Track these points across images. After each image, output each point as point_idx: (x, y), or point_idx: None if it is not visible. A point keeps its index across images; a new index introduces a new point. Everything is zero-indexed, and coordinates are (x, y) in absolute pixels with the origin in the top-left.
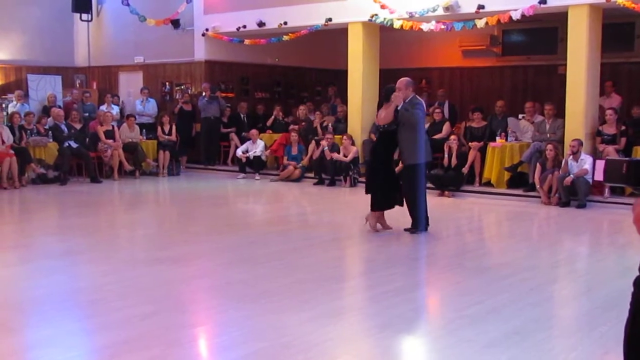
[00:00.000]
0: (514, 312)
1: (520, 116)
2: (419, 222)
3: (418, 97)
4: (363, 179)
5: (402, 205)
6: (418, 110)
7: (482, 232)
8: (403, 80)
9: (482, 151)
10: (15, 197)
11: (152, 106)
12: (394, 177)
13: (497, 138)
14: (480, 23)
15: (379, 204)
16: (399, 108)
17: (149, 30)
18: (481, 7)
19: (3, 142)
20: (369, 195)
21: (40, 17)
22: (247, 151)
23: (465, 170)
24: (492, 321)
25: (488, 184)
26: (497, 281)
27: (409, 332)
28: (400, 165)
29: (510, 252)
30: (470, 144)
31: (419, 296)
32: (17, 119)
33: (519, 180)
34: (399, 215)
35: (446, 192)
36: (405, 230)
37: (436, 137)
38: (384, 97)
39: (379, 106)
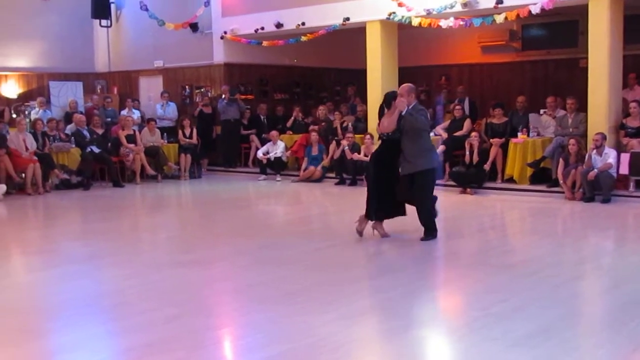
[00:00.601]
0: (539, 310)
1: (541, 111)
2: (433, 229)
3: (420, 104)
4: None
5: (404, 214)
6: (422, 116)
7: (505, 229)
8: (405, 86)
9: (504, 147)
10: (39, 202)
11: (172, 110)
12: (396, 187)
13: (519, 134)
14: (499, 18)
15: (381, 213)
16: (403, 114)
17: (167, 34)
18: (499, 2)
19: (27, 148)
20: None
21: (61, 25)
22: (267, 152)
23: (487, 167)
24: (517, 319)
25: (510, 180)
26: (522, 278)
27: (434, 331)
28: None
29: (534, 248)
30: (491, 140)
31: (443, 295)
32: (40, 126)
33: (541, 176)
34: (406, 220)
35: (468, 190)
36: (422, 240)
37: (457, 134)
38: (385, 103)
39: (380, 114)
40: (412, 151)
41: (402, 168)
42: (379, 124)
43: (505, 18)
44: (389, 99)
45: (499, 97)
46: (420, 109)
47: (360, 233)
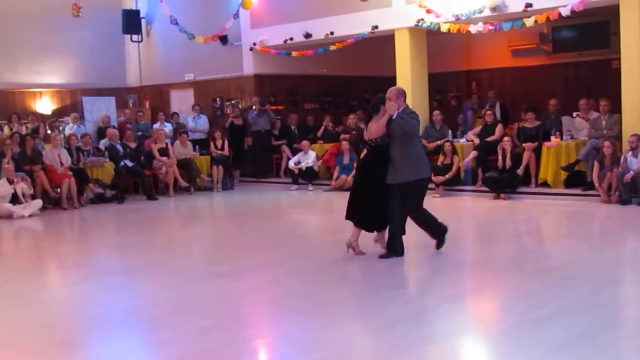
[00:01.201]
0: (578, 315)
1: (574, 114)
2: (395, 244)
3: (408, 108)
4: None
5: (384, 229)
6: (413, 119)
7: (541, 234)
8: (393, 89)
9: (537, 151)
10: (75, 217)
11: (203, 122)
12: (385, 198)
13: (552, 137)
14: (529, 22)
15: (365, 223)
16: (393, 118)
17: (197, 47)
18: (529, 5)
19: (62, 164)
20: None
21: (93, 41)
22: (299, 162)
23: (520, 171)
24: (556, 324)
25: (544, 184)
26: (559, 283)
27: (470, 338)
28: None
29: (570, 253)
30: (524, 144)
31: (479, 301)
32: (74, 141)
33: (576, 180)
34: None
35: (502, 195)
36: (380, 257)
37: (489, 139)
38: (372, 108)
39: (367, 120)
40: (401, 159)
41: (390, 177)
42: (365, 130)
43: (535, 21)
44: (377, 104)
45: (530, 101)
46: (411, 112)
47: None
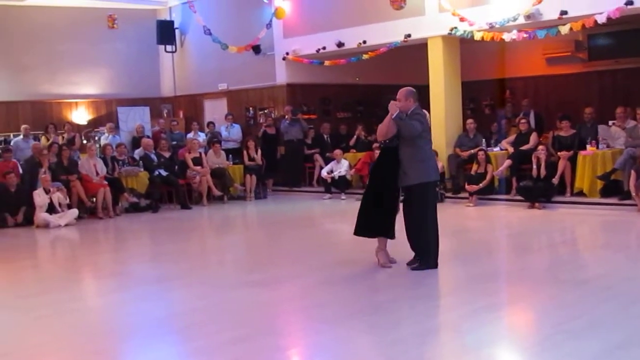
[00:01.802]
0: (615, 326)
1: (610, 122)
2: (428, 256)
3: (420, 107)
4: (449, 195)
5: (393, 237)
6: (415, 121)
7: (576, 244)
8: (403, 90)
9: (572, 160)
10: (110, 226)
11: (236, 131)
12: (394, 203)
13: (588, 146)
14: (564, 29)
15: (365, 230)
16: (392, 118)
17: (231, 57)
18: (564, 12)
19: (97, 173)
20: (455, 213)
21: (127, 52)
22: (331, 171)
23: (555, 180)
24: (592, 336)
25: (580, 193)
26: (595, 294)
27: (506, 349)
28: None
29: (607, 263)
30: (559, 153)
31: (514, 311)
32: (109, 151)
33: (612, 189)
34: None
35: (536, 204)
36: (408, 265)
37: (523, 148)
38: (385, 109)
39: (380, 122)
40: (407, 161)
41: (399, 180)
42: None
43: (570, 29)
44: (387, 105)
45: (565, 109)
46: (417, 113)
47: (385, 264)
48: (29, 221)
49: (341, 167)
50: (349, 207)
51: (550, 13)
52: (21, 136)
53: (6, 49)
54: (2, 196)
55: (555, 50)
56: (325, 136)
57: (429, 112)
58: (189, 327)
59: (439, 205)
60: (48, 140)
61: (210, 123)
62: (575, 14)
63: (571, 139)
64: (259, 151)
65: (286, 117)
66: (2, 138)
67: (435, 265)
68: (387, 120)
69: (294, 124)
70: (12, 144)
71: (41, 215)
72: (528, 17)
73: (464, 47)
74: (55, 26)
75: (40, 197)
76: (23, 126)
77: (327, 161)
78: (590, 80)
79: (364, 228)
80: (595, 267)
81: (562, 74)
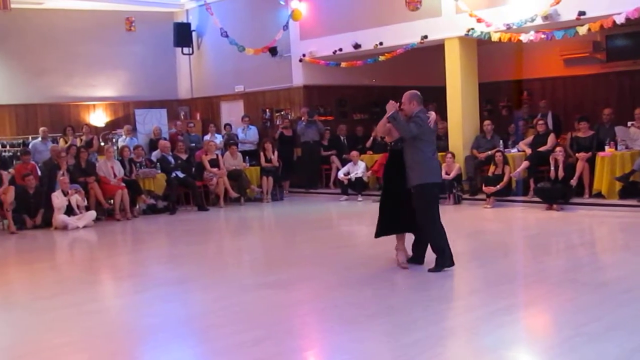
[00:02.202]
0: (635, 329)
1: (629, 123)
2: (441, 256)
3: (425, 110)
4: (466, 196)
5: (411, 231)
6: (412, 122)
7: (595, 246)
8: (407, 93)
9: (591, 162)
10: (127, 228)
11: (253, 133)
12: (405, 202)
13: (606, 147)
14: (582, 30)
15: (382, 229)
16: (387, 117)
17: (247, 59)
18: (582, 13)
19: (115, 175)
20: (472, 215)
21: (145, 54)
22: (348, 173)
23: (573, 182)
24: (612, 338)
25: (598, 195)
26: (615, 296)
27: (524, 352)
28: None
29: (626, 265)
30: (577, 154)
31: (532, 314)
32: (127, 153)
33: (631, 190)
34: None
35: (554, 206)
36: (430, 271)
37: (541, 149)
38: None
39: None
40: (407, 163)
41: (407, 181)
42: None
43: (589, 29)
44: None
45: (583, 110)
46: (417, 116)
47: (402, 265)
48: (47, 223)
49: (358, 168)
50: (366, 208)
51: (568, 14)
52: (39, 139)
53: (25, 52)
54: (21, 198)
55: (573, 51)
56: (341, 138)
57: (445, 113)
58: (207, 329)
59: (456, 207)
60: (66, 142)
61: (228, 125)
62: (593, 14)
63: (589, 140)
64: (276, 153)
65: (302, 118)
66: (21, 140)
67: (451, 263)
68: (383, 120)
69: (311, 125)
70: (30, 146)
71: (59, 217)
72: (546, 17)
73: (481, 48)
74: (73, 29)
75: (58, 199)
76: (41, 129)
77: (343, 163)
78: (609, 81)
79: (381, 228)
80: (615, 269)
81: (580, 75)
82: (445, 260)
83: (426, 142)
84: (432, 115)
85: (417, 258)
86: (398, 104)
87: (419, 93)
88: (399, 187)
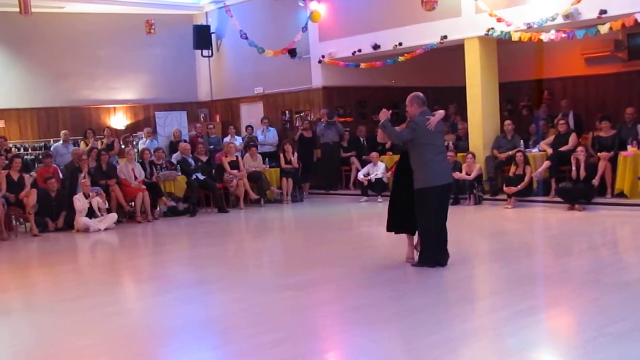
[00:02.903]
0: None
1: None
2: (427, 254)
3: (429, 112)
4: (487, 197)
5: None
6: (408, 128)
7: (618, 246)
8: (409, 96)
9: (613, 161)
10: (148, 230)
11: (272, 135)
12: (412, 203)
13: (629, 147)
14: (604, 29)
15: (392, 227)
16: (379, 125)
17: (267, 61)
18: (603, 12)
19: (136, 178)
20: (493, 215)
21: (165, 57)
22: (368, 174)
23: (595, 182)
24: (636, 339)
25: (621, 195)
26: (639, 297)
27: (547, 353)
28: None
29: None
30: (599, 154)
31: (555, 315)
32: (148, 155)
33: None
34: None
35: (576, 206)
36: (412, 265)
37: (563, 149)
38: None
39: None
40: (412, 166)
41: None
42: None
43: (610, 28)
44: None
45: (605, 110)
46: (411, 120)
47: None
48: (69, 226)
49: (378, 170)
50: (386, 210)
51: (589, 12)
52: (61, 142)
53: (46, 56)
54: (43, 201)
55: (595, 51)
56: (361, 139)
57: (466, 114)
58: (227, 330)
59: (476, 208)
60: (87, 145)
61: (249, 127)
62: (615, 13)
63: (612, 139)
64: (296, 155)
65: (322, 120)
66: (43, 144)
67: (431, 264)
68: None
69: (330, 127)
70: (52, 149)
71: (81, 220)
72: (567, 17)
73: (501, 48)
74: (94, 33)
75: (80, 202)
76: (63, 132)
77: (363, 164)
78: (631, 80)
79: (392, 225)
80: (638, 269)
81: (601, 75)
82: (428, 259)
83: (427, 146)
84: (437, 115)
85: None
86: (391, 111)
87: (420, 95)
88: (408, 187)
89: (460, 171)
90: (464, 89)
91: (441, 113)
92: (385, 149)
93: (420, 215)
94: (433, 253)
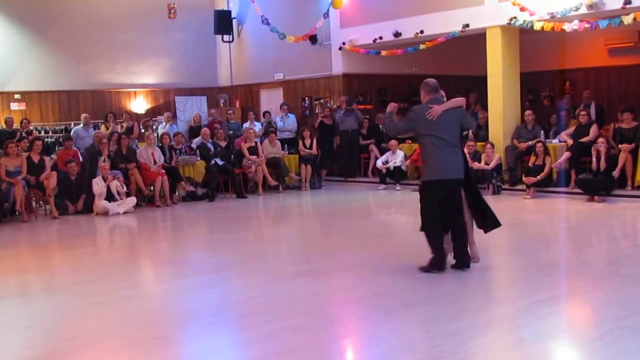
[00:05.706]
0: None
1: None
2: (431, 260)
3: (439, 99)
4: (506, 187)
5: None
6: (406, 119)
7: (637, 238)
8: (423, 82)
9: (634, 153)
10: (167, 214)
11: (291, 121)
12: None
13: None
14: (628, 19)
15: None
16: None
17: (287, 47)
18: (627, 2)
19: (155, 162)
20: (512, 205)
21: (186, 42)
22: (387, 162)
23: (615, 173)
24: None
25: None
26: None
27: (564, 344)
28: None
29: None
30: (620, 146)
31: (573, 306)
32: (167, 140)
33: None
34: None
35: (596, 197)
36: (419, 269)
37: (583, 140)
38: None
39: None
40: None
41: None
42: None
43: (634, 19)
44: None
45: (628, 101)
46: (410, 109)
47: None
48: (89, 209)
49: (396, 157)
50: (404, 197)
51: (613, 3)
52: (81, 125)
53: (68, 39)
54: (63, 184)
55: (618, 41)
56: (380, 127)
57: (486, 103)
58: (245, 316)
59: (495, 198)
60: (107, 129)
61: (267, 112)
62: (639, 3)
63: (633, 131)
64: (314, 141)
65: (341, 107)
66: (63, 127)
67: (438, 269)
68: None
69: (349, 114)
70: (72, 132)
71: (101, 203)
72: (590, 6)
73: (523, 37)
74: (116, 16)
75: (98, 185)
76: (83, 115)
77: (382, 152)
78: None
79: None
80: None
81: (624, 65)
82: (432, 264)
83: (430, 137)
84: (447, 103)
85: (457, 261)
86: (398, 104)
87: (429, 81)
88: None
89: (479, 160)
90: (485, 78)
91: (456, 101)
92: (405, 137)
93: (420, 213)
94: (439, 257)
